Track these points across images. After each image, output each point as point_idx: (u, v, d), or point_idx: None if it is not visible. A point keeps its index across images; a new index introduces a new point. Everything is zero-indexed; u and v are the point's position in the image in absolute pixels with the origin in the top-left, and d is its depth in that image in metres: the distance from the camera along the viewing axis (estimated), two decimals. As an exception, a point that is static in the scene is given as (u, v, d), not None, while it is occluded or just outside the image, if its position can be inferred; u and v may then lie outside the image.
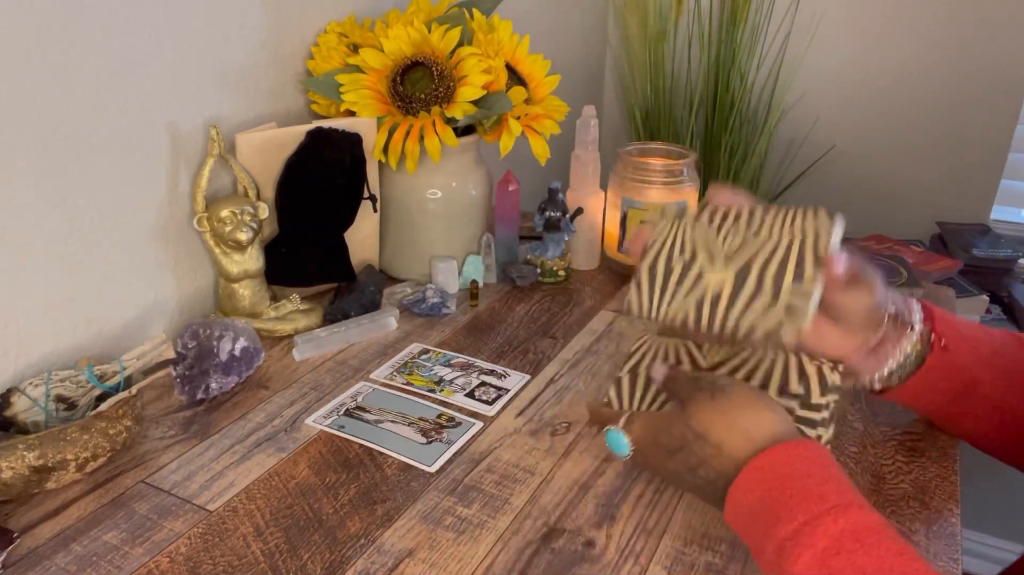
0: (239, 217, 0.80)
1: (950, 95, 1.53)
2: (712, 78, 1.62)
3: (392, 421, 0.70)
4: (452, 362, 0.80)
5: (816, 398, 0.56)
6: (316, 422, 0.70)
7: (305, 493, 0.62)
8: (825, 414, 0.55)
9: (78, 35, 0.68)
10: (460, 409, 0.73)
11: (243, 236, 0.80)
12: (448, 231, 0.96)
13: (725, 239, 0.56)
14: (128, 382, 0.65)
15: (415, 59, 0.87)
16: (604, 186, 1.01)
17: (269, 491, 0.62)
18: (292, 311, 0.85)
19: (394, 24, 0.89)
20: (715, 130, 1.63)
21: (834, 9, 1.57)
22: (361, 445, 0.67)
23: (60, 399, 0.65)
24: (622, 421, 0.57)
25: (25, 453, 0.57)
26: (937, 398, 0.63)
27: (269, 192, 0.86)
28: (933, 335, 0.61)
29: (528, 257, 0.99)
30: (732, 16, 1.57)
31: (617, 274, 1.02)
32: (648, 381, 0.62)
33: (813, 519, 0.45)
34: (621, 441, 0.57)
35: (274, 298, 0.86)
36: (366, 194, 0.91)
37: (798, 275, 0.52)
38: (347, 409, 0.72)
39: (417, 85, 0.88)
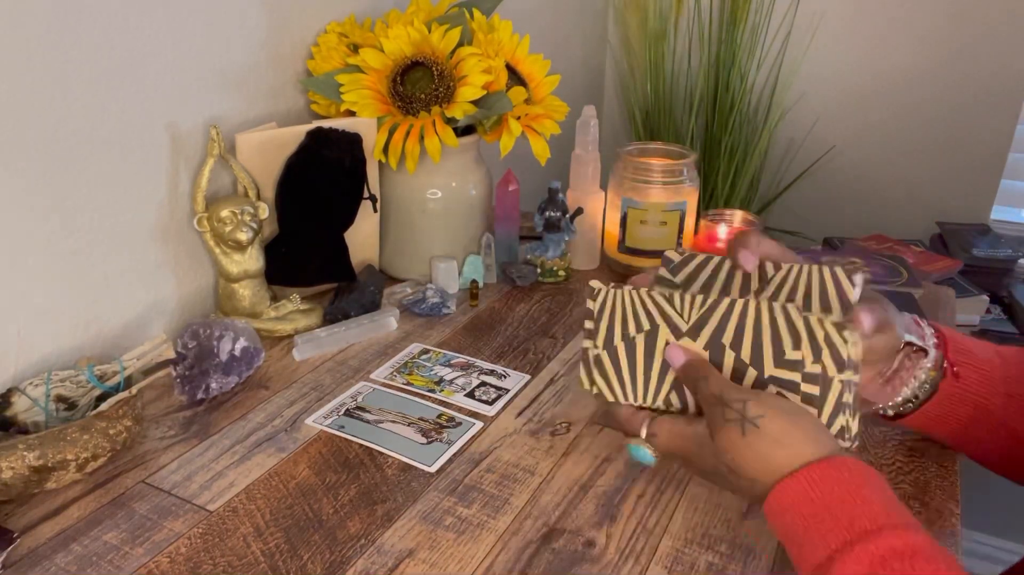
0: (239, 217, 0.80)
1: (950, 95, 1.53)
2: (712, 78, 1.62)
3: (392, 421, 0.70)
4: (452, 362, 0.80)
5: (832, 372, 0.51)
6: (316, 422, 0.70)
7: (305, 493, 0.62)
8: (846, 396, 0.50)
9: (78, 35, 0.68)
10: (460, 409, 0.73)
11: (243, 236, 0.80)
12: (448, 231, 0.96)
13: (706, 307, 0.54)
14: (128, 382, 0.65)
15: (415, 59, 0.87)
16: (604, 186, 1.01)
17: (269, 491, 0.62)
18: (292, 311, 0.85)
19: (394, 24, 0.89)
20: (715, 130, 1.63)
21: (834, 9, 1.57)
22: (361, 445, 0.67)
23: (60, 399, 0.65)
24: (643, 430, 0.55)
25: (25, 453, 0.57)
26: (952, 423, 0.62)
27: (269, 192, 0.86)
28: (946, 362, 0.60)
29: (528, 257, 0.99)
30: (732, 16, 1.57)
31: (617, 274, 1.02)
32: (643, 358, 0.56)
33: (843, 547, 0.44)
34: (645, 454, 0.55)
35: (274, 298, 0.86)
36: (366, 194, 0.91)
37: (837, 358, 0.50)
38: (347, 409, 0.72)
39: (417, 85, 0.88)
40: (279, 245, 0.87)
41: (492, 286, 0.98)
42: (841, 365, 0.50)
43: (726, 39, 1.58)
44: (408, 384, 0.76)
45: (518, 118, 0.89)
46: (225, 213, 0.80)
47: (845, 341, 0.50)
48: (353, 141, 0.87)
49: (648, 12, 1.64)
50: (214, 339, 0.72)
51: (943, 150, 1.56)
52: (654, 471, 0.64)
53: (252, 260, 0.83)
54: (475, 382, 0.77)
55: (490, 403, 0.74)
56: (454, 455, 0.66)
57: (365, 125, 0.88)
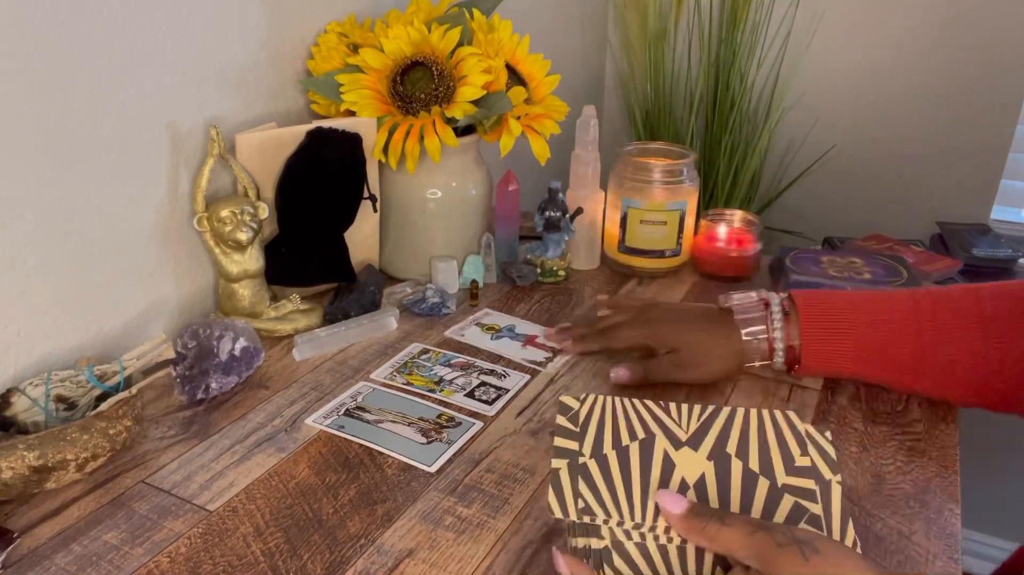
0: (239, 217, 0.80)
1: (950, 95, 1.53)
2: (712, 78, 1.62)
3: (392, 421, 0.70)
4: (452, 362, 0.80)
5: (828, 475, 0.49)
6: (316, 422, 0.70)
7: (305, 493, 0.62)
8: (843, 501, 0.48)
9: (78, 35, 0.68)
10: (460, 409, 0.73)
11: (243, 236, 0.80)
12: (448, 231, 0.96)
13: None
14: (128, 382, 0.65)
15: (415, 59, 0.87)
16: (604, 186, 1.01)
17: (269, 491, 0.62)
18: (292, 311, 0.85)
19: (394, 24, 0.89)
20: (715, 130, 1.63)
21: (834, 9, 1.57)
22: (361, 445, 0.67)
23: (60, 399, 0.65)
24: None
25: (25, 453, 0.57)
26: (844, 356, 0.73)
27: (269, 192, 0.86)
28: (788, 294, 0.75)
29: (528, 257, 0.99)
30: (732, 16, 1.57)
31: (617, 274, 1.02)
32: (639, 469, 0.48)
33: None
34: None
35: (274, 298, 0.86)
36: (366, 194, 0.91)
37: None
38: (347, 409, 0.72)
39: (417, 85, 0.88)
40: (279, 245, 0.87)
41: (492, 286, 0.98)
42: (834, 468, 0.48)
43: (726, 39, 1.58)
44: (408, 384, 0.76)
45: (518, 118, 0.89)
46: (225, 213, 0.80)
47: (829, 442, 0.49)
48: (353, 141, 0.87)
49: (648, 12, 1.64)
50: (214, 339, 0.72)
51: (943, 150, 1.56)
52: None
53: (252, 260, 0.83)
54: (475, 382, 0.77)
55: (490, 403, 0.74)
56: (454, 455, 0.66)
57: (365, 125, 0.88)
